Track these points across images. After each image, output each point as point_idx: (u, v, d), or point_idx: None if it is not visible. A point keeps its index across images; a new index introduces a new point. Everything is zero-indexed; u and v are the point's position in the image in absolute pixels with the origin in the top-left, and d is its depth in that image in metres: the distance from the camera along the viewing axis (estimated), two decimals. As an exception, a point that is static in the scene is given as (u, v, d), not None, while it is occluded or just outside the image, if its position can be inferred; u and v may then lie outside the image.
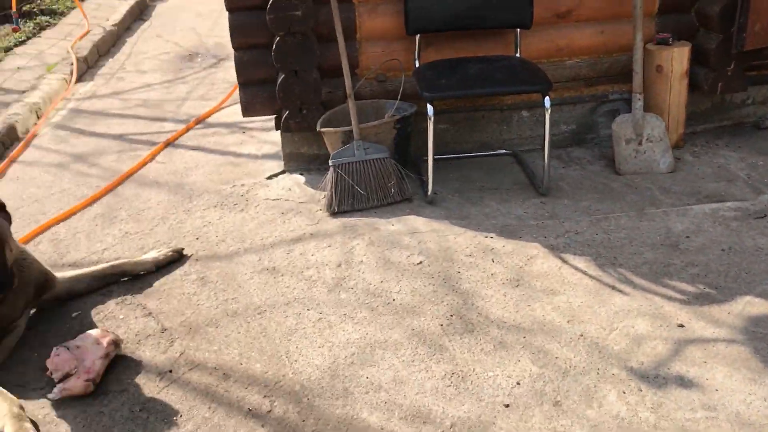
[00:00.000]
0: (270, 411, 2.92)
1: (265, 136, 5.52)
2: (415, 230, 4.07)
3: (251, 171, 4.99)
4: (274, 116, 4.79)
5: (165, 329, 3.45)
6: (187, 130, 5.78)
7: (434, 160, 4.19)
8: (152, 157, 5.32)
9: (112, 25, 8.78)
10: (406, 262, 3.79)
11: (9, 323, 3.28)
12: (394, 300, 3.51)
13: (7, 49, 7.75)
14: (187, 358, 3.25)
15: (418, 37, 4.45)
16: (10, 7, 8.52)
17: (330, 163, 4.28)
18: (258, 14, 4.37)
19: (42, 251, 4.15)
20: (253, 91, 4.68)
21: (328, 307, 3.51)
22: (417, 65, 4.49)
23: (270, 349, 3.26)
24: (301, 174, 4.83)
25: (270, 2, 4.22)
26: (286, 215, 4.36)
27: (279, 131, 4.82)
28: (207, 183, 4.87)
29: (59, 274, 3.68)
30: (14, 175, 5.14)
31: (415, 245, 3.93)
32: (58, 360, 3.05)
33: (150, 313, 3.57)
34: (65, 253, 4.15)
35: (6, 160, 5.29)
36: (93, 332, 3.20)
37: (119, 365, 3.21)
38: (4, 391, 2.94)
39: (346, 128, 4.32)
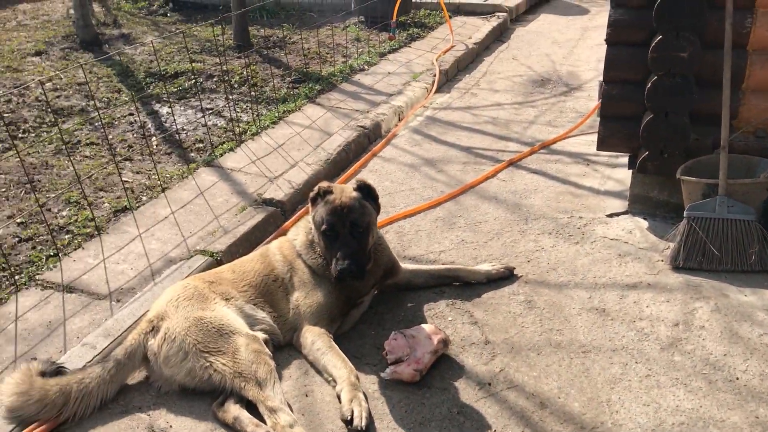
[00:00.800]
0: (583, 455, 2.82)
1: (610, 172, 5.37)
2: (773, 307, 3.62)
3: (590, 205, 4.88)
4: (628, 154, 4.64)
5: (488, 342, 3.53)
6: (531, 153, 5.87)
7: (812, 234, 3.69)
8: (495, 174, 5.49)
9: (474, 44, 9.28)
10: (758, 341, 3.39)
11: (358, 298, 3.63)
12: (737, 379, 3.16)
13: (382, 55, 8.63)
14: (506, 376, 3.29)
15: (820, 95, 3.96)
16: (391, 18, 9.47)
17: (685, 215, 4.01)
18: (638, 51, 4.25)
19: (388, 240, 4.51)
20: (613, 125, 4.57)
21: (658, 365, 3.29)
22: (812, 126, 3.99)
23: (590, 392, 3.15)
24: (645, 219, 4.60)
25: (656, 40, 4.08)
26: (623, 258, 4.19)
27: (630, 170, 4.65)
28: (544, 208, 4.88)
29: (405, 265, 3.98)
30: (374, 168, 5.69)
31: (771, 324, 3.50)
32: (394, 344, 3.29)
33: (476, 322, 3.69)
34: (407, 246, 4.47)
35: (369, 153, 5.89)
36: (426, 327, 3.39)
37: (443, 364, 3.36)
38: (347, 360, 3.26)
39: (711, 180, 4.00)
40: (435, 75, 7.82)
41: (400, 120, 6.75)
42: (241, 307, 3.43)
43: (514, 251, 4.36)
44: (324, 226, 3.43)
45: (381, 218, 4.78)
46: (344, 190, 3.53)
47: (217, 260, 4.07)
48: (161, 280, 3.87)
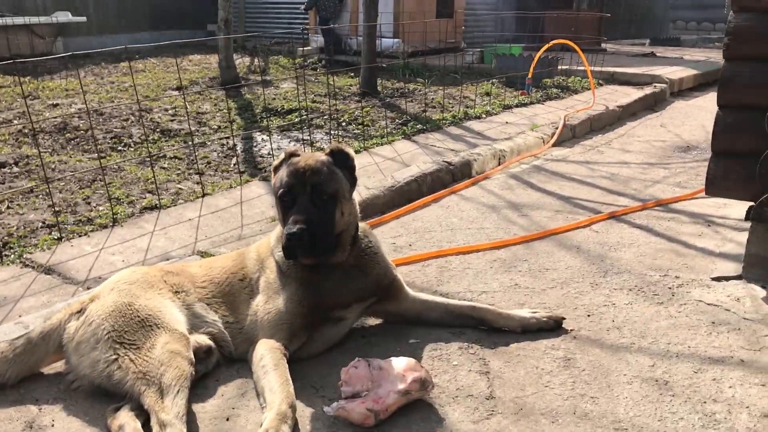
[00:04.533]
0: None
1: (733, 234, 4.26)
2: None
3: (695, 266, 3.83)
4: (749, 203, 3.59)
5: (492, 397, 2.65)
6: (643, 208, 4.88)
7: None
8: (589, 224, 4.57)
9: (617, 107, 8.37)
10: None
11: (332, 307, 2.89)
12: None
13: (507, 107, 7.98)
14: (496, 441, 2.40)
15: None
16: (528, 74, 8.83)
17: (805, 273, 2.91)
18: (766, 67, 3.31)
19: (425, 273, 3.78)
20: (727, 163, 3.60)
21: (721, 464, 2.24)
22: None
23: (605, 482, 2.18)
24: (764, 287, 3.49)
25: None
26: (716, 327, 3.13)
27: (749, 222, 3.59)
28: (633, 263, 3.90)
29: (415, 293, 3.21)
30: (446, 204, 4.99)
31: None
32: (353, 373, 2.54)
33: (487, 372, 2.82)
34: (445, 281, 3.70)
35: (447, 190, 5.20)
36: (403, 361, 2.60)
37: (416, 411, 2.54)
38: (289, 384, 2.54)
39: None
40: (558, 128, 7.01)
41: (499, 164, 6.01)
42: (191, 303, 2.85)
43: (575, 303, 3.44)
44: (281, 190, 2.80)
45: (429, 250, 4.07)
46: (314, 154, 2.91)
47: (215, 264, 3.55)
48: (143, 274, 3.41)
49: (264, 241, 3.11)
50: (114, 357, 2.51)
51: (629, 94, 9.36)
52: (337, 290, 2.87)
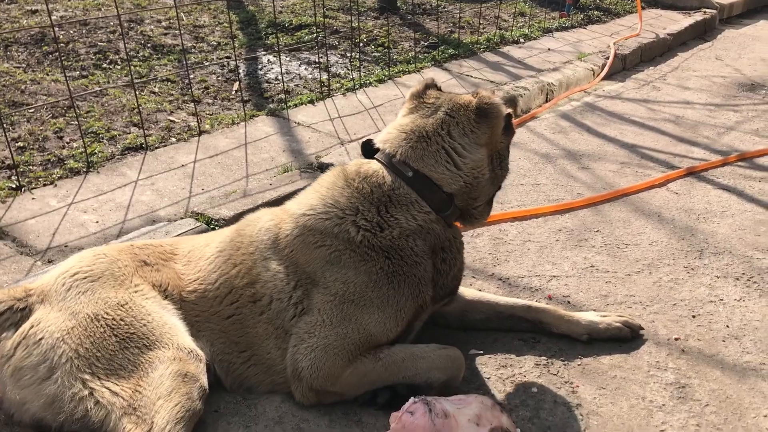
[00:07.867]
0: None
1: None
2: None
3: (812, 248, 3.08)
4: None
5: (592, 448, 1.95)
6: (724, 163, 4.08)
7: None
8: (665, 182, 3.79)
9: (667, 34, 7.41)
10: None
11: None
12: None
13: (546, 31, 7.02)
14: None
15: None
16: (567, -7, 7.83)
17: None
18: None
19: (476, 247, 3.02)
20: None
21: None
22: None
23: None
24: None
25: None
26: None
27: None
28: (733, 240, 3.14)
29: (460, 289, 2.44)
30: (491, 150, 4.18)
31: None
32: (408, 421, 1.81)
33: (578, 405, 2.11)
34: (502, 259, 2.94)
35: (491, 132, 4.37)
36: (477, 403, 1.87)
37: (494, 476, 1.83)
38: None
39: None
40: (608, 58, 6.10)
41: (547, 101, 5.15)
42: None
43: (672, 297, 2.70)
44: None
45: (477, 215, 3.29)
46: None
47: (213, 230, 2.77)
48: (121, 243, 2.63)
49: (283, 216, 2.22)
50: (85, 393, 1.76)
51: (677, 20, 8.35)
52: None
